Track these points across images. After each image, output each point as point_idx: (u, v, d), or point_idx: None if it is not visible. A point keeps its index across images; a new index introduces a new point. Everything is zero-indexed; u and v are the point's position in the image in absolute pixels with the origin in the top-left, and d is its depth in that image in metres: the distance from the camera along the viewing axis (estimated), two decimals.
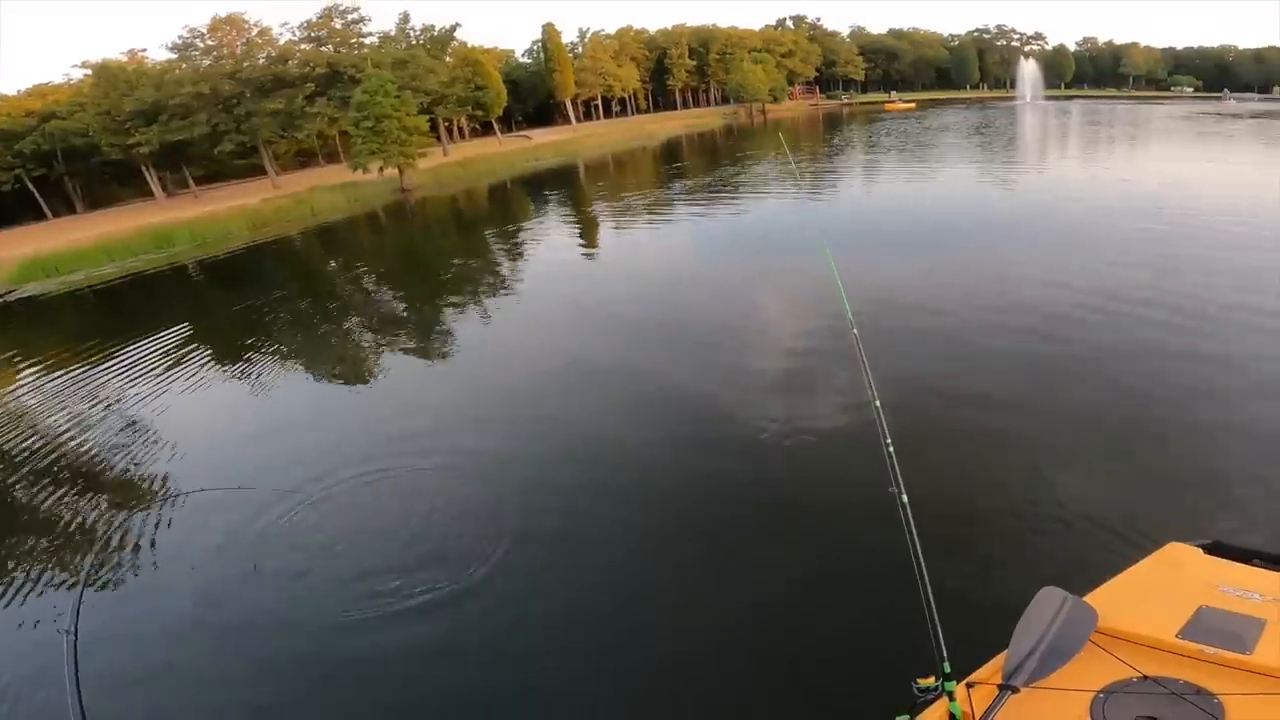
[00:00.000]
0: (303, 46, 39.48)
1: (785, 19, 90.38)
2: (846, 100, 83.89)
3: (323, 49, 39.63)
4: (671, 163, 37.62)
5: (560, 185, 33.68)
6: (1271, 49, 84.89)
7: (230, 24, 38.25)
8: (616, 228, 20.52)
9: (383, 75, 32.17)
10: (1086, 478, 5.57)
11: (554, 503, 6.12)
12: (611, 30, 73.19)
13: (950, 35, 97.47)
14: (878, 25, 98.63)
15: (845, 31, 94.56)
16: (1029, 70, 76.84)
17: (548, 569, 5.26)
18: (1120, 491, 5.30)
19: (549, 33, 60.94)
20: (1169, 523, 4.45)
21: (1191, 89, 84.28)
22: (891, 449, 2.81)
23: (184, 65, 36.65)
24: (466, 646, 4.54)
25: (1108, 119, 48.18)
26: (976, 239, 14.72)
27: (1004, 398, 7.17)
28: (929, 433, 6.43)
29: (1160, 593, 2.51)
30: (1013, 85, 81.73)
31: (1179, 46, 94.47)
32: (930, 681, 2.15)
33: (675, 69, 76.75)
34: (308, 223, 28.38)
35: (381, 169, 31.91)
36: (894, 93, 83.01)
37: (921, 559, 2.37)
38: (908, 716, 2.11)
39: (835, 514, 5.48)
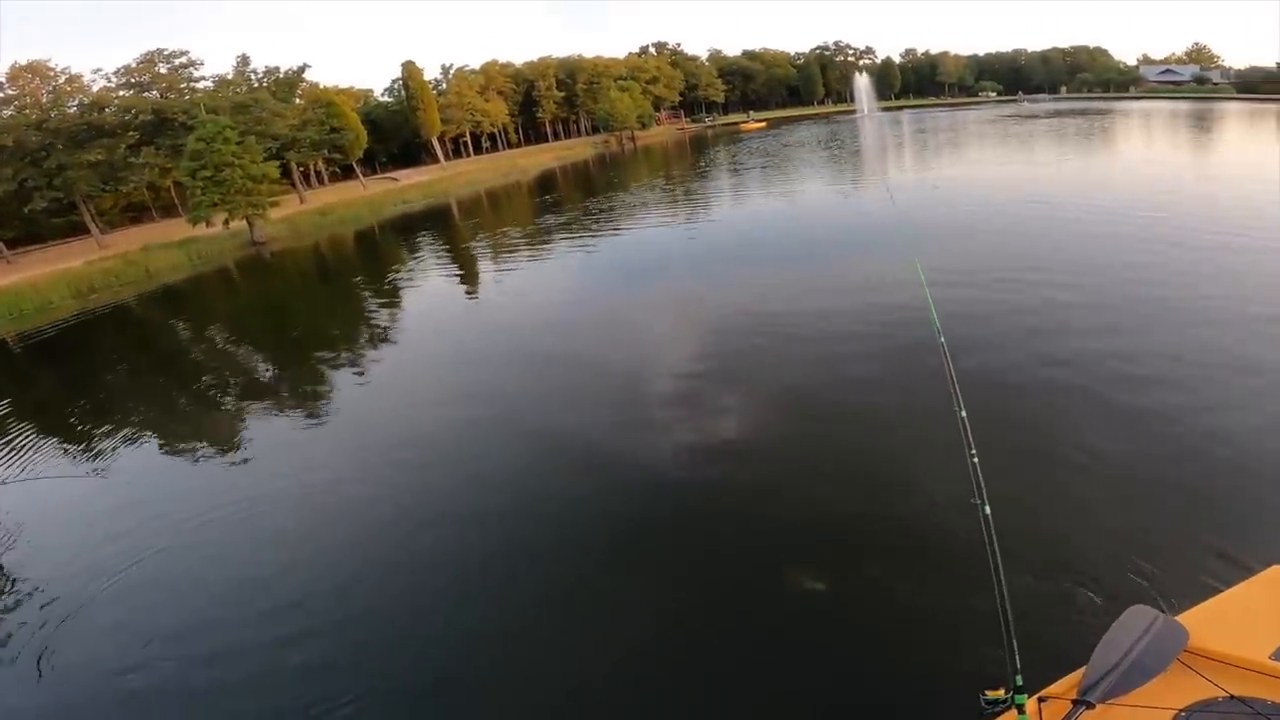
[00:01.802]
0: (121, 93, 36.06)
1: (648, 46, 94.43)
2: (710, 123, 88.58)
3: (146, 94, 36.45)
4: (546, 196, 37.77)
5: (433, 227, 32.69)
6: (1055, 50, 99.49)
7: (33, 71, 34.31)
8: (496, 265, 20.20)
9: (219, 121, 29.90)
10: (1186, 499, 5.15)
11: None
12: (476, 65, 72.82)
13: (796, 53, 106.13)
14: (732, 48, 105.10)
15: (704, 55, 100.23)
16: (863, 84, 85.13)
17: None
18: (1223, 515, 4.92)
19: (409, 70, 59.46)
20: (1276, 545, 4.20)
21: (995, 94, 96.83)
22: (976, 459, 2.73)
23: None
24: None
25: (932, 126, 54.20)
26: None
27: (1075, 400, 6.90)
28: (1013, 445, 6.16)
29: (1256, 614, 2.38)
30: (852, 99, 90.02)
31: (981, 53, 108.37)
32: (1000, 694, 2.12)
33: (544, 101, 77.54)
34: (144, 285, 25.56)
35: (227, 221, 29.51)
36: (750, 113, 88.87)
37: (1001, 571, 2.32)
38: None
39: (911, 522, 5.36)
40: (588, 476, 6.96)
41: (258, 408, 10.94)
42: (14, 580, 6.61)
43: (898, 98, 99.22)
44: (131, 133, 34.53)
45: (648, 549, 5.68)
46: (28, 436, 10.84)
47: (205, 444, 9.69)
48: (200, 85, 39.47)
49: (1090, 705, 2.00)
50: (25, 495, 8.57)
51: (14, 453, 10.09)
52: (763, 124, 75.78)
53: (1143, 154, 29.22)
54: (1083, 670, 2.20)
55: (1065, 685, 2.17)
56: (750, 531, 5.67)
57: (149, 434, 10.34)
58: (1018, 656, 2.15)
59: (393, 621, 5.24)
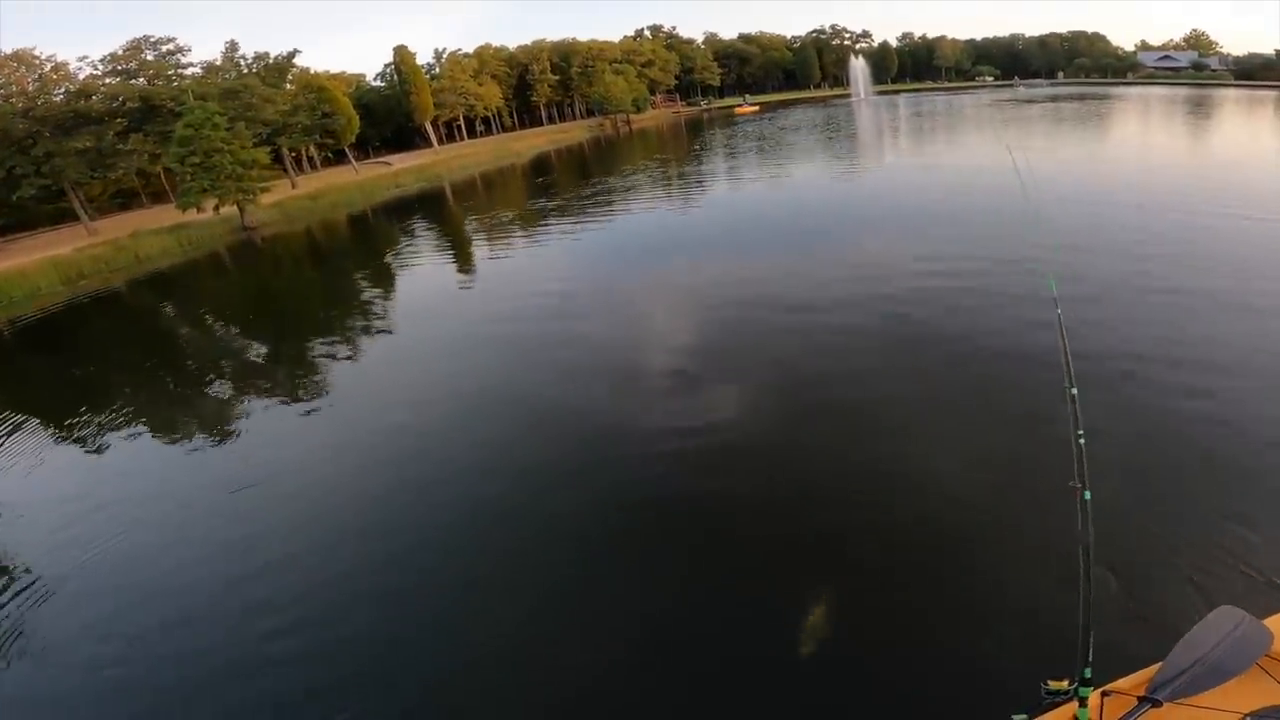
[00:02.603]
0: (108, 80, 35.71)
1: (643, 29, 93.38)
2: (706, 106, 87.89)
3: (133, 82, 36.11)
4: (540, 178, 37.51)
5: (426, 210, 32.52)
6: (1053, 35, 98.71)
7: (18, 60, 33.98)
8: (489, 248, 20.10)
9: (208, 107, 29.57)
10: None
11: None
12: (470, 49, 71.96)
13: (793, 37, 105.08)
14: (728, 30, 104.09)
15: (700, 38, 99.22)
16: (860, 68, 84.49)
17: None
18: None
19: (401, 55, 58.74)
20: None
21: (992, 78, 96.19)
22: (1083, 440, 2.58)
23: None
24: None
25: (929, 110, 53.90)
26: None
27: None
28: (1123, 433, 5.83)
29: None
30: (848, 83, 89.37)
31: (979, 38, 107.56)
32: (1063, 685, 2.06)
33: (538, 85, 76.76)
34: (134, 271, 25.38)
35: (217, 207, 29.31)
36: (746, 96, 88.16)
37: (1090, 560, 2.24)
38: (1025, 717, 2.04)
39: (1000, 499, 5.21)
40: (609, 456, 6.93)
41: (247, 390, 10.91)
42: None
43: (894, 82, 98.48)
44: (119, 120, 34.29)
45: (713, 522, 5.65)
46: (12, 420, 10.83)
47: (193, 424, 9.72)
48: (188, 72, 39.17)
49: (1157, 703, 1.95)
50: (7, 476, 8.59)
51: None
52: (756, 108, 75.17)
53: (1138, 136, 29.16)
54: (1155, 667, 2.14)
55: (1133, 681, 2.12)
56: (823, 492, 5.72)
57: (136, 416, 10.33)
58: (1092, 648, 2.10)
59: (383, 590, 5.30)
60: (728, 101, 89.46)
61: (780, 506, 5.66)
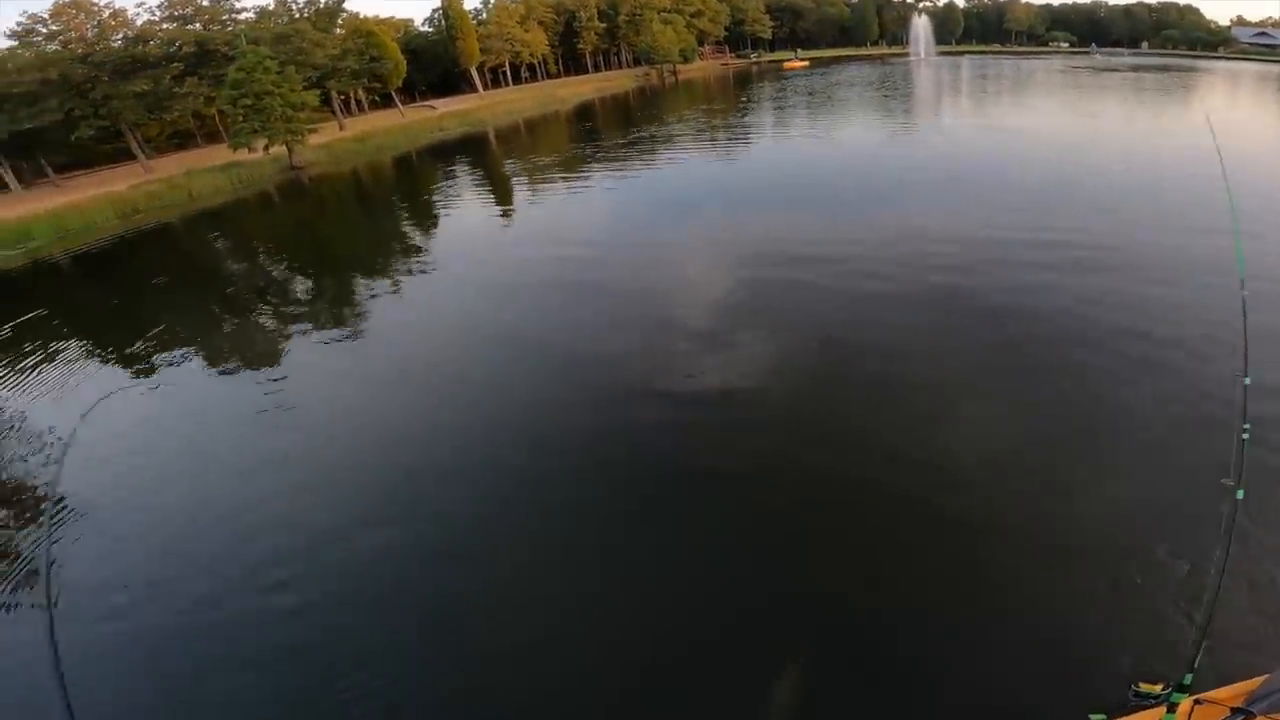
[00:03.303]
0: (164, 26, 36.53)
1: None
2: (756, 59, 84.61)
3: (189, 27, 36.92)
4: (584, 124, 36.94)
5: (469, 154, 32.50)
6: (1140, 4, 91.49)
7: (76, 7, 34.77)
8: (530, 193, 19.99)
9: (259, 51, 29.95)
10: None
11: None
12: None
13: None
14: None
15: None
16: (922, 26, 79.81)
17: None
18: None
19: (449, 0, 57.94)
20: None
21: (1067, 44, 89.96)
22: (1246, 435, 2.40)
23: (26, 52, 33.02)
24: None
25: (995, 74, 50.84)
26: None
27: None
28: None
29: None
30: (907, 42, 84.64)
31: (1055, 3, 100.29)
32: (1155, 688, 1.98)
33: (585, 32, 74.85)
34: (187, 208, 26.10)
35: (267, 147, 29.88)
36: (798, 51, 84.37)
37: (1227, 563, 2.12)
38: (1104, 717, 1.97)
39: (1142, 483, 4.90)
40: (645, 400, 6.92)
41: (290, 322, 11.24)
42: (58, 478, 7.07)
43: (958, 44, 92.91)
44: (175, 64, 35.14)
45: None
46: (67, 345, 11.37)
47: (233, 351, 10.11)
48: (241, 17, 39.73)
49: (1250, 715, 1.86)
50: (57, 400, 9.04)
51: (51, 362, 10.60)
52: (806, 63, 72.13)
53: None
54: (1260, 679, 2.02)
55: (1231, 693, 2.02)
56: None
57: (179, 341, 10.76)
58: (1201, 654, 1.99)
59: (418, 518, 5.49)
60: (778, 55, 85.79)
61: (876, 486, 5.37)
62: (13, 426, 8.33)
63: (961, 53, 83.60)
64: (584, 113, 44.15)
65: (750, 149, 23.11)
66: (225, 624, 4.55)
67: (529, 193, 19.97)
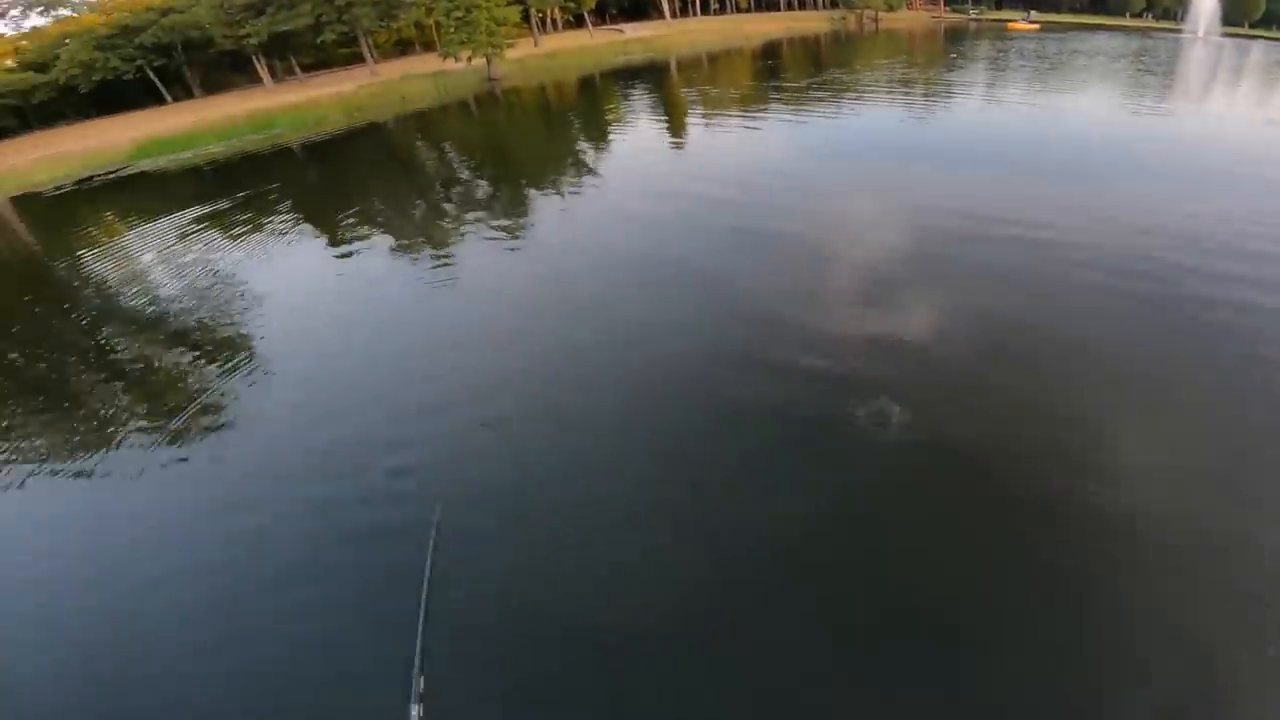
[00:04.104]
0: None
1: None
2: (976, 15, 73.05)
3: None
4: (767, 62, 35.04)
5: (650, 81, 32.36)
6: None
7: None
8: (703, 126, 19.60)
9: None
10: None
11: None
12: None
13: None
14: None
15: None
16: (1206, 2, 63.01)
17: None
18: None
19: None
20: None
21: None
22: None
23: None
24: None
25: None
26: None
27: None
28: None
29: None
30: (1182, 17, 67.77)
31: None
32: None
33: None
34: (398, 109, 29.16)
35: (470, 58, 32.12)
36: (1031, 11, 71.03)
37: None
38: None
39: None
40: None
41: (471, 219, 12.50)
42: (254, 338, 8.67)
43: (1253, 26, 72.72)
44: None
45: None
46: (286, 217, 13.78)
47: (416, 238, 11.66)
48: None
49: None
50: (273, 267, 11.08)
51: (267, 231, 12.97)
52: (1036, 26, 61.03)
53: None
54: None
55: None
56: None
57: (371, 223, 12.70)
58: None
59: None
60: (1004, 14, 73.05)
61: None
62: (233, 274, 10.62)
63: (1254, 37, 65.54)
64: (769, 51, 41.69)
65: (953, 111, 19.65)
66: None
67: (701, 125, 19.66)
